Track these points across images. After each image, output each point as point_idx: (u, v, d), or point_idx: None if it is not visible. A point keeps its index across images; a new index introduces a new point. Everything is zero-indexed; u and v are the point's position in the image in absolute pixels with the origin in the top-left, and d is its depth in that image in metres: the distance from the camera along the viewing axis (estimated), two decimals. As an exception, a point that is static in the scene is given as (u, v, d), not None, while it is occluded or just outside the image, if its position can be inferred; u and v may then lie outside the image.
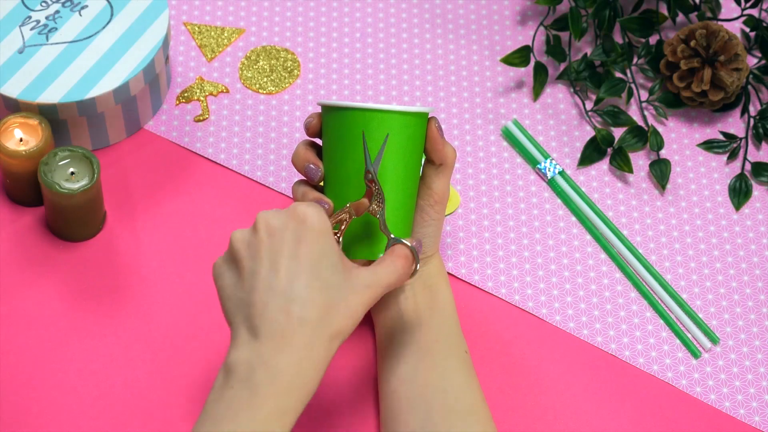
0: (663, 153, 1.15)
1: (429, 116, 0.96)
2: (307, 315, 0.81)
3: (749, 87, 1.19)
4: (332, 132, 0.93)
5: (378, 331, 0.99)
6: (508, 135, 1.15)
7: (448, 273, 1.07)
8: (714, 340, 1.03)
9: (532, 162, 1.13)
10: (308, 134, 0.96)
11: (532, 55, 1.20)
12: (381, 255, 0.91)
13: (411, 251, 0.88)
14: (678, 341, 1.03)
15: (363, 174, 0.92)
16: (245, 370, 0.80)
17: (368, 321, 1.04)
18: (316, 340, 0.81)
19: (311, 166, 0.94)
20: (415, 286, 0.98)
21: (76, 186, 1.02)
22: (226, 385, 0.80)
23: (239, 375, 0.80)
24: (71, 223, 1.05)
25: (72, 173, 1.04)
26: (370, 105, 0.92)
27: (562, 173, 1.12)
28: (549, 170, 1.12)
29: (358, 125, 0.92)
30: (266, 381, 0.79)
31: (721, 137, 1.16)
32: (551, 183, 1.12)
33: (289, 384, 0.80)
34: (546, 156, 1.13)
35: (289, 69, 1.20)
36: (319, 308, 0.81)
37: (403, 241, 0.89)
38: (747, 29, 1.23)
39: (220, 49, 1.21)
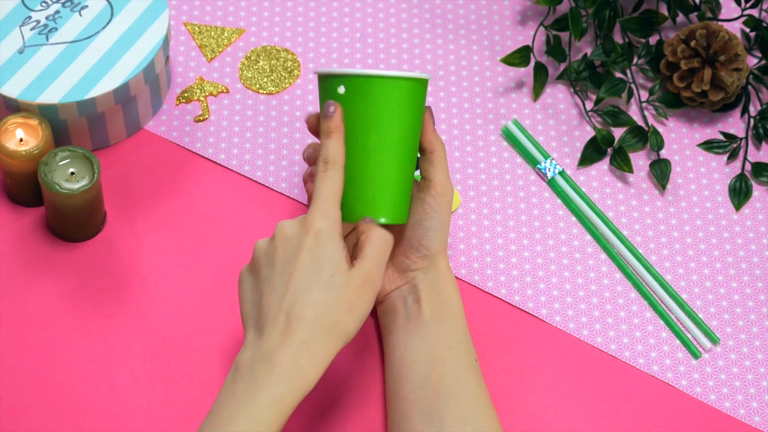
0: (663, 153, 1.15)
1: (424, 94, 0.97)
2: (305, 314, 0.86)
3: (749, 87, 1.19)
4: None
5: (385, 335, 0.99)
6: (508, 135, 1.15)
7: (448, 273, 1.07)
8: (714, 340, 1.03)
9: (532, 162, 1.13)
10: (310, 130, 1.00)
11: (532, 55, 1.20)
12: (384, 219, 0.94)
13: (373, 223, 0.92)
14: (678, 341, 1.03)
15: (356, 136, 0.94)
16: (248, 365, 0.86)
17: (373, 321, 1.03)
18: (312, 337, 0.86)
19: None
20: (422, 291, 0.98)
21: (76, 186, 1.02)
22: (231, 381, 0.86)
23: (242, 370, 0.86)
24: (71, 223, 1.05)
25: (72, 173, 1.04)
26: (352, 71, 0.94)
27: (562, 173, 1.12)
28: (549, 170, 1.12)
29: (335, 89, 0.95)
30: (264, 371, 0.85)
31: (721, 137, 1.16)
32: (551, 183, 1.12)
33: (286, 374, 0.85)
34: (546, 156, 1.13)
35: (289, 69, 1.20)
36: (315, 308, 0.86)
37: (364, 222, 0.92)
38: (747, 29, 1.23)
39: (220, 49, 1.21)
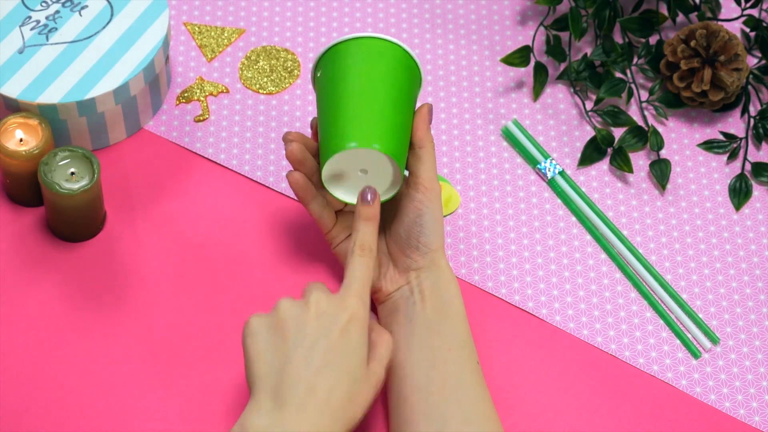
0: (663, 153, 1.15)
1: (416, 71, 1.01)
2: (332, 399, 0.85)
3: (749, 87, 1.19)
4: (323, 79, 1.00)
5: None
6: (508, 135, 1.15)
7: (448, 273, 1.07)
8: (714, 340, 1.03)
9: (532, 162, 1.13)
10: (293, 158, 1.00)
11: (532, 55, 1.20)
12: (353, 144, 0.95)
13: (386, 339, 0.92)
14: (678, 341, 1.03)
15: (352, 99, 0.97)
16: None
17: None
18: (334, 424, 0.85)
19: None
20: (424, 291, 0.98)
21: (76, 186, 1.02)
22: None
23: None
24: (71, 223, 1.05)
25: (72, 173, 1.04)
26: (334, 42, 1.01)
27: (562, 173, 1.12)
28: (549, 170, 1.12)
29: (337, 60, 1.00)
30: None
31: (721, 137, 1.16)
32: (551, 183, 1.12)
33: None
34: (546, 156, 1.13)
35: (289, 69, 1.20)
36: (343, 396, 0.85)
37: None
38: (747, 29, 1.23)
39: (220, 49, 1.21)
